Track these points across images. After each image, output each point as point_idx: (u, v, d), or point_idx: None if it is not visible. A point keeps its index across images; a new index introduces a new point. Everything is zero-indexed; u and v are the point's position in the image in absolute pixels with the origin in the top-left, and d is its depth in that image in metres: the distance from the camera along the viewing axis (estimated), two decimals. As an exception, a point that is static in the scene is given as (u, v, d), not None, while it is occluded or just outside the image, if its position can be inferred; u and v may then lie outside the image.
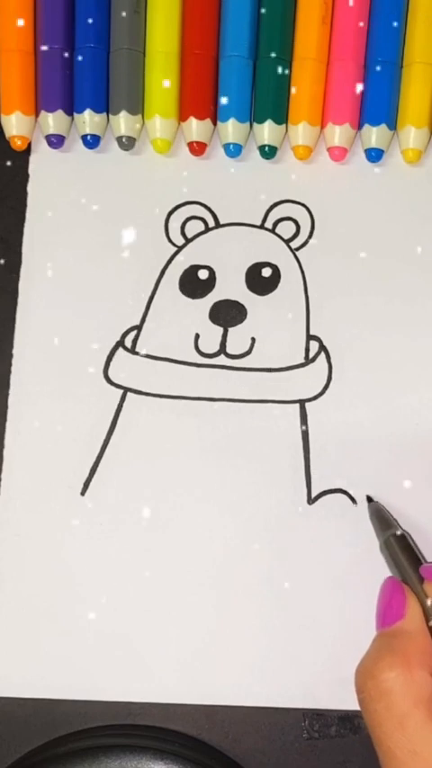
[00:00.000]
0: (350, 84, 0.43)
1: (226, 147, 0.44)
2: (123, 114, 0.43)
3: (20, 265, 0.44)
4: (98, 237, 0.44)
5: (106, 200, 0.45)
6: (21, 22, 0.43)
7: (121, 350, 0.43)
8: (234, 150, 0.43)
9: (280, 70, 0.43)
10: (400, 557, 0.38)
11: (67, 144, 0.44)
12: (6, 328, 0.43)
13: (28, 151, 0.45)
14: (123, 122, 0.43)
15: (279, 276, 0.44)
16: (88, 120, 0.43)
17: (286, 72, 0.43)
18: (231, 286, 0.44)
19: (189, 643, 0.41)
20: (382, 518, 0.40)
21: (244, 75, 0.43)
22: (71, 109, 0.44)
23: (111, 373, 0.43)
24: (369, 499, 0.41)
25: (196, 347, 0.43)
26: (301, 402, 0.42)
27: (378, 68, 0.43)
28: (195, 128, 0.43)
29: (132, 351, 0.43)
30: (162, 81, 0.43)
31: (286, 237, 0.44)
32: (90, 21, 0.43)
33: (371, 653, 0.35)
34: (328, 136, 0.44)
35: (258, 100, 0.43)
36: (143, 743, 0.39)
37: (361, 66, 0.43)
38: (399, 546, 0.38)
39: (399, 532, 0.39)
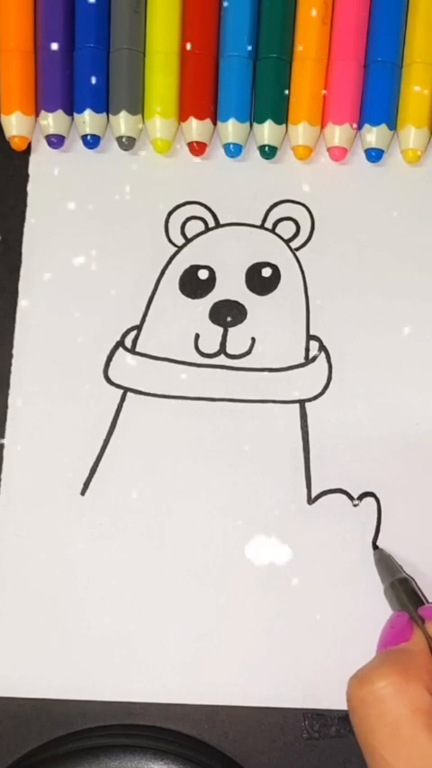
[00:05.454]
0: (350, 84, 0.43)
1: (226, 147, 0.44)
2: (123, 114, 0.43)
3: (20, 265, 0.44)
4: (98, 237, 0.44)
5: (106, 200, 0.45)
6: (21, 22, 0.43)
7: (121, 350, 0.43)
8: (234, 150, 0.43)
9: (280, 70, 0.43)
10: (403, 598, 0.38)
11: (67, 144, 0.44)
12: (6, 328, 0.43)
13: (28, 151, 0.45)
14: (123, 122, 0.43)
15: (279, 276, 0.44)
16: (88, 120, 0.43)
17: (286, 72, 0.43)
18: (231, 286, 0.44)
19: (189, 643, 0.41)
20: (387, 564, 0.40)
21: (244, 75, 0.43)
22: (71, 109, 0.44)
23: (111, 373, 0.43)
24: (375, 546, 0.41)
25: (196, 347, 0.43)
26: (301, 402, 0.42)
27: (378, 68, 0.43)
28: (195, 128, 0.43)
29: (132, 351, 0.43)
30: (162, 81, 0.43)
31: (286, 237, 0.44)
32: (90, 21, 0.43)
33: (368, 663, 0.35)
34: (328, 136, 0.44)
35: (258, 100, 0.44)
36: (143, 743, 0.39)
37: (361, 65, 0.43)
38: (402, 589, 0.38)
39: (402, 576, 0.39)
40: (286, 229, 0.44)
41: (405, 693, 0.32)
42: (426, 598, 0.38)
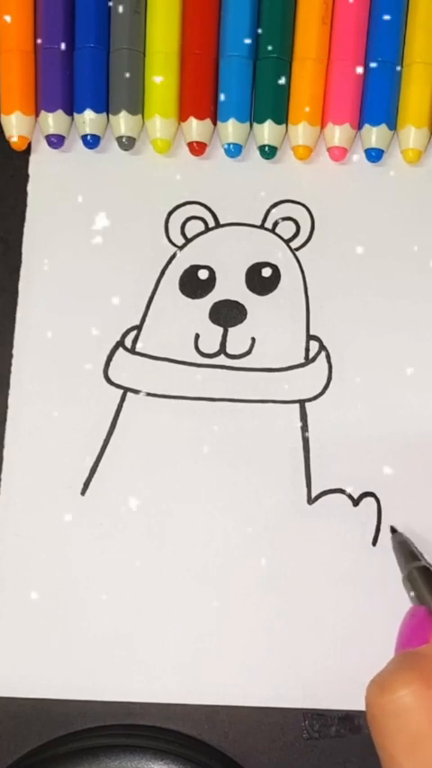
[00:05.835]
0: (350, 84, 0.43)
1: (226, 147, 0.44)
2: (123, 114, 0.43)
3: (20, 265, 0.44)
4: (98, 237, 0.44)
5: (106, 200, 0.45)
6: (21, 22, 0.43)
7: (121, 350, 0.43)
8: (234, 150, 0.43)
9: (280, 70, 0.43)
10: (422, 589, 0.37)
11: (67, 144, 0.44)
12: (6, 328, 0.43)
13: (28, 151, 0.45)
14: (123, 122, 0.43)
15: (279, 276, 0.44)
16: (88, 120, 0.43)
17: (286, 72, 0.43)
18: (231, 286, 0.44)
19: (189, 643, 0.41)
20: (406, 550, 0.39)
21: (244, 75, 0.43)
22: (71, 109, 0.44)
23: (111, 373, 0.43)
24: (393, 530, 0.40)
25: (196, 347, 0.43)
26: (301, 402, 0.42)
27: (378, 68, 0.43)
28: (195, 128, 0.43)
29: (132, 351, 0.43)
30: (162, 81, 0.43)
31: (286, 237, 0.44)
32: (90, 21, 0.43)
33: (387, 668, 0.34)
34: (328, 136, 0.44)
35: (258, 100, 0.43)
36: (143, 743, 0.39)
37: (361, 66, 0.43)
38: (422, 579, 0.37)
39: (423, 564, 0.38)
40: (286, 229, 0.44)
41: (427, 702, 0.32)
42: None
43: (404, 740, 0.31)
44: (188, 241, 0.44)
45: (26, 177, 0.45)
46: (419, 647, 0.34)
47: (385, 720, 0.32)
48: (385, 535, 0.41)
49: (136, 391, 0.43)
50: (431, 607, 0.36)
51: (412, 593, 0.37)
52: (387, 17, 0.43)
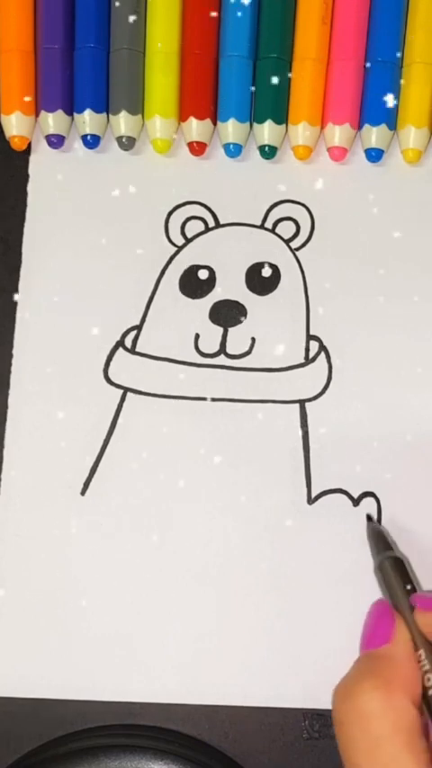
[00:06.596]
0: (350, 84, 0.43)
1: (226, 147, 0.44)
2: (123, 114, 0.43)
3: (20, 265, 0.44)
4: (98, 237, 0.44)
5: (106, 200, 0.45)
6: (21, 22, 0.43)
7: (121, 350, 0.43)
8: (234, 150, 0.43)
9: (280, 70, 0.43)
10: (393, 581, 0.36)
11: (67, 144, 0.44)
12: (6, 328, 0.43)
13: (28, 151, 0.45)
14: (123, 122, 0.43)
15: (279, 276, 0.44)
16: (88, 120, 0.43)
17: (286, 72, 0.43)
18: (231, 286, 0.44)
19: (189, 643, 0.41)
20: (379, 539, 0.39)
21: (244, 76, 0.43)
22: (71, 109, 0.44)
23: (111, 373, 0.43)
24: (369, 518, 0.40)
25: (196, 347, 0.43)
26: (301, 402, 0.42)
27: (378, 68, 0.43)
28: (195, 128, 0.43)
29: (132, 351, 0.43)
30: (162, 81, 0.43)
31: (286, 237, 0.44)
32: (90, 21, 0.43)
33: (351, 673, 0.34)
34: (328, 136, 0.44)
35: (258, 100, 0.43)
36: (143, 743, 0.39)
37: (361, 66, 0.43)
38: (393, 570, 0.37)
39: (395, 555, 0.38)
40: (286, 229, 0.44)
41: (389, 709, 0.32)
42: (419, 583, 0.37)
43: (365, 744, 0.32)
44: (188, 241, 0.44)
45: (26, 177, 0.45)
46: (382, 646, 0.34)
47: (348, 725, 0.32)
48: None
49: (136, 391, 0.43)
50: (399, 599, 0.36)
51: (384, 586, 0.37)
52: (387, 17, 0.43)
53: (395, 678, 0.33)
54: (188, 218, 0.44)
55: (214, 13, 0.44)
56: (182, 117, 0.44)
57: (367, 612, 0.36)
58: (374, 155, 0.43)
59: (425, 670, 0.33)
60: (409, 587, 0.36)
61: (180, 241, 0.44)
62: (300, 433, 0.42)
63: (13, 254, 0.44)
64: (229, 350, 0.43)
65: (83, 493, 0.42)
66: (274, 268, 0.44)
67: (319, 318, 0.43)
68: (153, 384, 0.43)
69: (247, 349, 0.43)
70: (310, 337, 0.43)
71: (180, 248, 0.44)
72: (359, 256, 0.44)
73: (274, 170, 0.45)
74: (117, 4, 0.43)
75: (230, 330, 0.43)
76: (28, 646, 0.41)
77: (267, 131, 0.43)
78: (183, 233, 0.44)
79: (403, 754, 0.31)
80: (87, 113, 0.43)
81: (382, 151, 0.43)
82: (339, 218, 0.44)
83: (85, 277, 0.44)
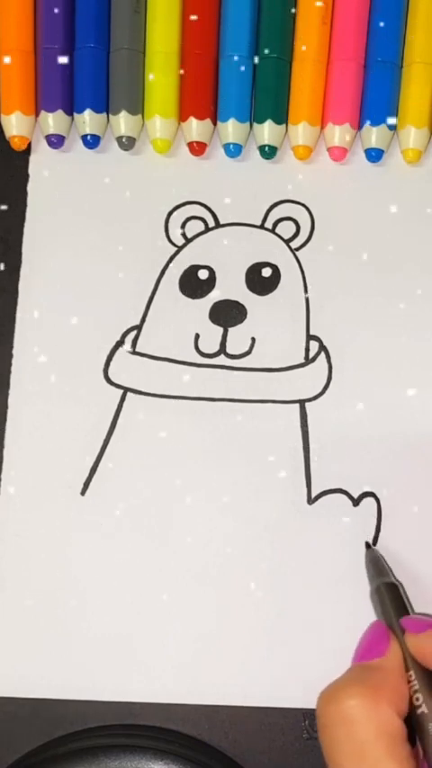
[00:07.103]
0: (350, 84, 0.43)
1: (226, 147, 0.44)
2: (123, 114, 0.43)
3: (20, 266, 0.44)
4: (98, 237, 0.44)
5: (106, 200, 0.45)
6: (21, 22, 0.43)
7: (121, 350, 0.43)
8: (234, 150, 0.43)
9: (280, 70, 0.43)
10: (387, 605, 0.37)
11: (67, 144, 0.44)
12: (6, 328, 0.43)
13: (28, 151, 0.45)
14: (123, 122, 0.43)
15: (279, 276, 0.44)
16: (88, 120, 0.43)
17: (286, 72, 0.43)
18: (231, 286, 0.44)
19: (189, 643, 0.41)
20: (377, 565, 0.39)
21: (244, 75, 0.43)
22: (71, 109, 0.44)
23: (111, 373, 0.43)
24: (368, 545, 0.41)
25: (196, 347, 0.43)
26: (301, 402, 0.42)
27: (378, 68, 0.43)
28: (195, 128, 0.43)
29: (132, 351, 0.43)
30: (162, 81, 0.43)
31: (286, 237, 0.44)
32: (90, 21, 0.43)
33: (339, 679, 0.34)
34: (328, 136, 0.44)
35: (258, 100, 0.44)
36: (143, 743, 0.39)
37: (361, 66, 0.43)
38: (388, 594, 0.37)
39: (390, 581, 0.38)
40: (286, 229, 0.44)
41: (373, 715, 0.32)
42: (411, 607, 0.38)
43: (350, 749, 0.32)
44: (188, 241, 0.44)
45: (26, 177, 0.45)
46: (375, 659, 0.35)
47: (333, 729, 0.32)
48: (385, 535, 0.41)
49: (136, 391, 0.43)
50: (392, 621, 0.36)
51: (380, 609, 0.38)
52: (387, 17, 0.43)
53: (383, 688, 0.33)
54: (188, 218, 0.44)
55: (214, 14, 0.44)
56: (182, 117, 0.44)
57: (364, 631, 0.37)
58: (374, 155, 0.43)
59: (414, 689, 0.34)
60: (401, 611, 0.37)
61: (180, 241, 0.44)
62: (300, 433, 0.42)
63: (13, 254, 0.44)
64: (229, 350, 0.43)
65: (83, 493, 0.42)
66: (274, 268, 0.44)
67: (318, 318, 0.43)
68: (153, 384, 0.43)
69: (247, 349, 0.43)
70: (310, 337, 0.43)
71: (180, 248, 0.44)
72: (359, 256, 0.44)
73: (274, 170, 0.45)
74: (117, 3, 0.43)
75: (230, 330, 0.43)
76: (28, 646, 0.41)
77: (267, 131, 0.43)
78: (183, 233, 0.44)
79: (386, 759, 0.31)
80: (87, 113, 0.43)
81: (382, 151, 0.43)
82: (339, 218, 0.44)
83: (85, 277, 0.44)
